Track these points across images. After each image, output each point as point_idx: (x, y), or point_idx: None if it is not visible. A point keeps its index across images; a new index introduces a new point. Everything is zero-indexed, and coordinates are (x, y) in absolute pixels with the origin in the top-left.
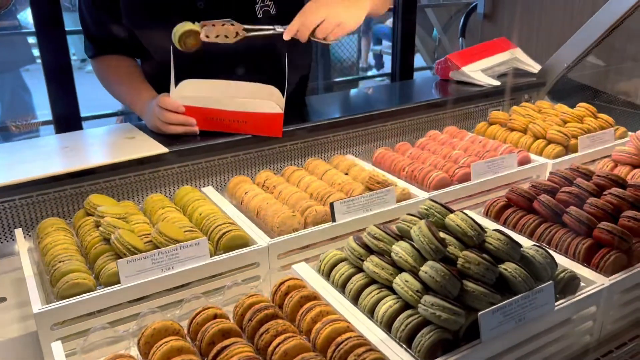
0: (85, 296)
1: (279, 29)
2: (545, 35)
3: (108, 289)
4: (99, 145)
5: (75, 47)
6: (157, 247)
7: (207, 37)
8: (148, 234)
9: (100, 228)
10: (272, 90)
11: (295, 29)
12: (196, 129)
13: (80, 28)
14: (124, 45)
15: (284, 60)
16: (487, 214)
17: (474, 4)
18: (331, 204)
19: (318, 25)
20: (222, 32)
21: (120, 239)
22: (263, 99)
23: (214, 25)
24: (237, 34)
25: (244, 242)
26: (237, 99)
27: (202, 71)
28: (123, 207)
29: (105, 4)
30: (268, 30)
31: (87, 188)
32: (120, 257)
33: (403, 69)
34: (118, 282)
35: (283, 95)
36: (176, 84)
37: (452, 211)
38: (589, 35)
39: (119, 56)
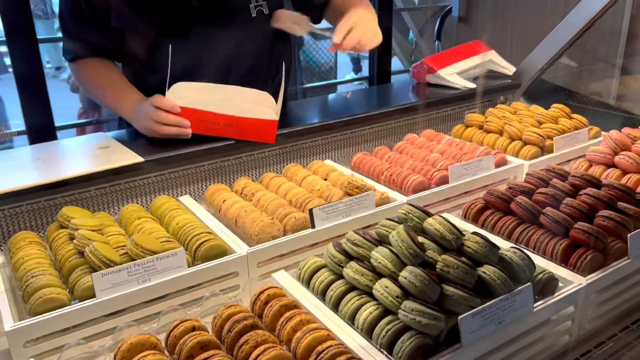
0: (59, 311)
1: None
2: (519, 37)
3: (83, 304)
4: (72, 156)
5: (50, 55)
6: (133, 259)
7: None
8: (124, 246)
9: (74, 241)
10: (267, 97)
11: (356, 42)
12: (189, 131)
13: (54, 36)
14: (107, 49)
15: (280, 66)
16: (465, 217)
17: (448, 7)
18: (310, 210)
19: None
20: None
21: (95, 251)
22: (259, 105)
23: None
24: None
25: (222, 251)
26: (234, 103)
27: (194, 76)
28: (98, 218)
29: (93, 4)
30: (327, 33)
31: (61, 200)
32: (95, 270)
33: (380, 73)
34: (93, 295)
35: (276, 102)
36: (168, 86)
37: (430, 215)
38: (562, 37)
39: (100, 59)
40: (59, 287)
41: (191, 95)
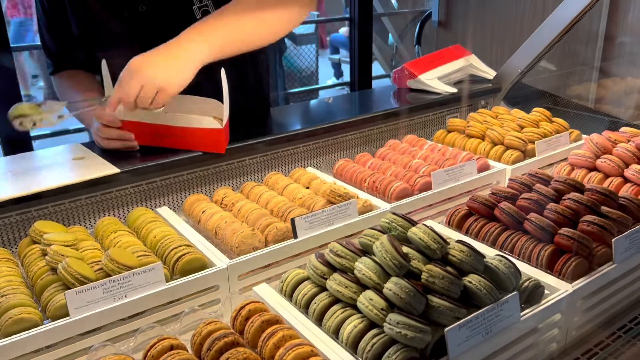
0: (30, 332)
1: (103, 100)
2: (498, 41)
3: (55, 323)
4: (46, 168)
5: (27, 63)
6: (109, 275)
7: (21, 125)
8: (99, 261)
9: (46, 257)
10: (214, 104)
11: (116, 102)
12: (135, 143)
13: (30, 44)
14: (82, 60)
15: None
16: (449, 223)
17: (428, 12)
18: (292, 220)
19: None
20: (38, 118)
21: (68, 268)
22: (204, 113)
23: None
24: (59, 117)
25: (201, 264)
26: (174, 113)
27: None
28: (72, 233)
29: (58, 16)
30: (93, 104)
31: (34, 213)
32: (69, 288)
33: (362, 78)
34: (67, 314)
35: (226, 110)
36: None
37: (414, 223)
38: (541, 40)
39: (78, 71)
40: (31, 307)
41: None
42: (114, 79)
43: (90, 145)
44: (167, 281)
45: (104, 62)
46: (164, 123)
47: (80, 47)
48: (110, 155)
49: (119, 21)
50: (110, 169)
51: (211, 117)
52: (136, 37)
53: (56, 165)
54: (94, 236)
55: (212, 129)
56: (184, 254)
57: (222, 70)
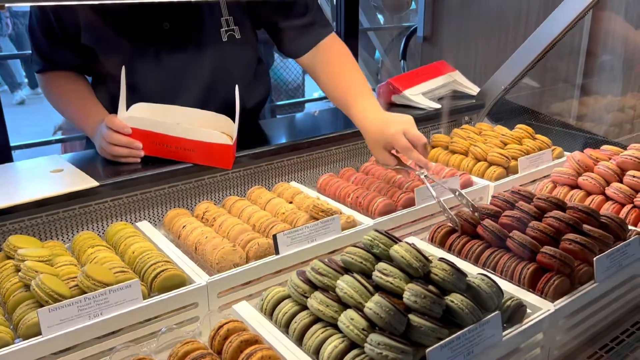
0: (0, 352)
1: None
2: (482, 57)
3: (27, 342)
4: (23, 180)
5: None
6: (85, 292)
7: None
8: (75, 278)
9: (20, 273)
10: (225, 120)
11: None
12: (141, 152)
13: (9, 53)
14: (77, 63)
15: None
16: (432, 240)
17: (413, 27)
18: (274, 236)
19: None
20: None
21: (42, 284)
22: (214, 128)
23: None
24: None
25: (180, 281)
26: (186, 125)
27: (164, 99)
28: (48, 248)
29: (64, 20)
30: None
31: (10, 227)
32: (42, 306)
33: None
34: (39, 333)
35: (236, 126)
36: (127, 105)
37: (396, 241)
38: (525, 57)
39: (68, 72)
40: (1, 325)
41: (145, 117)
42: (133, 88)
43: (70, 158)
44: (144, 298)
45: (123, 71)
46: (175, 135)
47: (81, 54)
48: (89, 168)
49: (139, 38)
50: (89, 182)
51: (221, 132)
52: (157, 53)
53: (33, 178)
54: (70, 251)
55: (222, 145)
56: (163, 270)
57: (237, 88)
